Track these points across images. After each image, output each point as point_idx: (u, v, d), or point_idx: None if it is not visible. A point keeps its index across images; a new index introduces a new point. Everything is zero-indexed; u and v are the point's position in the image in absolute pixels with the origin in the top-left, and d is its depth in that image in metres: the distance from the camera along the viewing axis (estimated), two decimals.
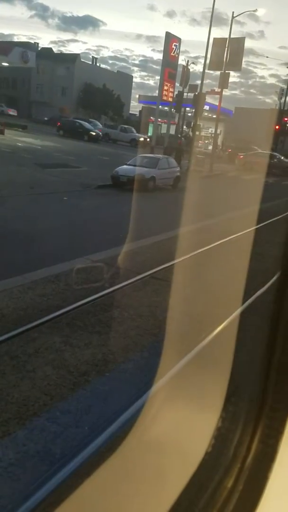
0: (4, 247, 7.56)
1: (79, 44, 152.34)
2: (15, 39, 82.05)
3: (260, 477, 0.66)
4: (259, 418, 0.70)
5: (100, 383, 4.02)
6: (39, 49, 58.90)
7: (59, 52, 63.74)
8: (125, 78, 65.30)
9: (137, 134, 40.20)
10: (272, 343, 0.70)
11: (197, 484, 0.67)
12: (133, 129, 41.35)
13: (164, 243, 8.73)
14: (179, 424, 0.85)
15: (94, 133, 35.86)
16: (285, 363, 0.70)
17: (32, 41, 67.45)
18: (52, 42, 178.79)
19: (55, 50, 65.55)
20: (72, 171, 18.21)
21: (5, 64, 28.47)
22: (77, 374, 4.02)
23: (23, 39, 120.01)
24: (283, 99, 43.67)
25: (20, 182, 14.07)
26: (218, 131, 34.67)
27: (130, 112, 65.30)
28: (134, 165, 16.76)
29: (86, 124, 37.81)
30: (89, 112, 52.95)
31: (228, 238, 8.73)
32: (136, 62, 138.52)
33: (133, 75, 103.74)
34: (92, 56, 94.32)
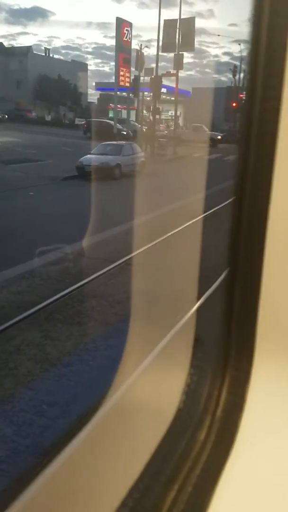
0: None
1: (30, 37, 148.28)
2: None
3: (231, 427, 0.69)
4: (225, 370, 0.72)
5: (84, 372, 4.03)
6: None
7: (10, 46, 62.21)
8: (80, 67, 64.27)
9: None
10: (231, 297, 0.72)
11: (171, 439, 0.69)
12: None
13: (135, 230, 8.73)
14: (151, 386, 0.87)
15: (125, 133, 33.79)
16: (244, 315, 0.72)
17: None
18: (1, 37, 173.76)
19: (5, 44, 63.82)
20: (36, 165, 17.91)
21: None
22: (61, 366, 4.02)
23: None
24: (237, 76, 43.88)
25: None
26: (178, 113, 34.63)
27: (89, 100, 64.41)
28: (98, 154, 16.62)
29: (115, 124, 36.67)
30: (47, 104, 51.98)
31: (194, 220, 8.80)
32: (89, 50, 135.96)
33: (88, 62, 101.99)
34: (45, 47, 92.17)
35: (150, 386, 0.85)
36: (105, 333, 4.75)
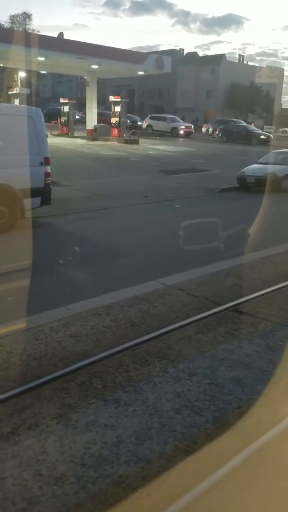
0: (79, 267, 6.61)
1: (224, 45, 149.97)
2: (160, 48, 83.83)
3: None
4: None
5: None
6: (184, 55, 59.10)
7: (204, 55, 63.13)
8: (275, 73, 61.45)
9: (179, 123, 37.35)
10: None
11: None
12: (177, 118, 38.96)
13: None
14: None
15: (264, 137, 32.34)
16: None
17: (178, 48, 67.91)
18: (196, 47, 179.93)
19: (200, 54, 65.15)
20: (199, 175, 16.90)
21: (141, 72, 28.46)
22: None
23: (169, 47, 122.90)
24: None
25: (137, 191, 13.28)
26: None
27: (283, 107, 61.07)
28: (266, 163, 14.71)
29: (252, 127, 35.20)
30: (235, 111, 50.93)
31: None
32: (286, 55, 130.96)
33: (285, 68, 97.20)
34: (239, 55, 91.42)
35: None
36: None
